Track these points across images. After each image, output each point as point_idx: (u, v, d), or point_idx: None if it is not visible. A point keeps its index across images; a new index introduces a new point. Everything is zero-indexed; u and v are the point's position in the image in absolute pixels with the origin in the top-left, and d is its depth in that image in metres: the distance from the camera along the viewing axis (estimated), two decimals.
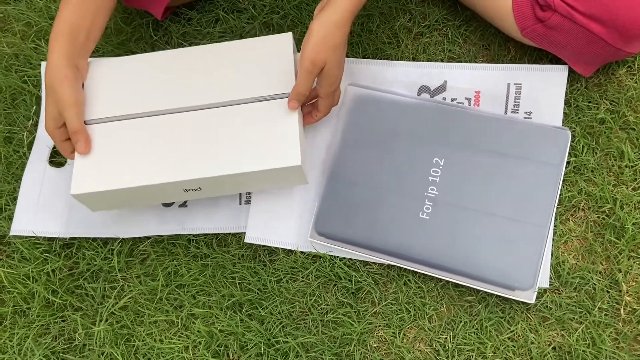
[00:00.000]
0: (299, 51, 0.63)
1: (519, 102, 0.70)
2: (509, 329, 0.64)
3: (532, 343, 0.63)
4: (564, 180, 0.67)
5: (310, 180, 0.70)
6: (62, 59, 0.62)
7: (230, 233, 0.72)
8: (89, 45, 0.66)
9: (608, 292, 0.64)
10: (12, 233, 0.74)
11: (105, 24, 0.67)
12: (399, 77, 0.73)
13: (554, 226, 0.66)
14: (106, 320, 0.70)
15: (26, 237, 0.74)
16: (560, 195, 0.66)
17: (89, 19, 0.64)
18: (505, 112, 0.70)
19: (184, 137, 0.64)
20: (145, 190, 0.63)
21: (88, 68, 0.68)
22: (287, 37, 0.67)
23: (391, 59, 0.75)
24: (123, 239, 0.73)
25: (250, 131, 0.63)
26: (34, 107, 0.81)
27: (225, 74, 0.66)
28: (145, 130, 0.65)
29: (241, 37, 0.80)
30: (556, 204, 0.65)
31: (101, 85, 0.68)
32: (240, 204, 0.72)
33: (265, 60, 0.66)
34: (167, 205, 0.73)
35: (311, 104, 0.68)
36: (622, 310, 0.63)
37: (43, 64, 0.81)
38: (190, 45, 0.80)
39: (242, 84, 0.65)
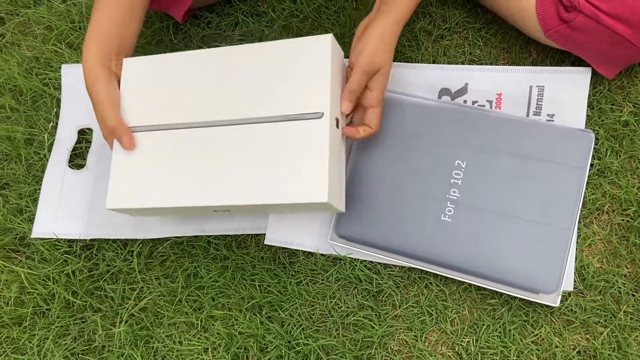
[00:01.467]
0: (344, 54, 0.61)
1: (541, 105, 0.69)
2: (533, 332, 0.63)
3: (556, 347, 0.62)
4: (587, 183, 0.66)
5: None
6: (94, 62, 0.62)
7: (249, 235, 0.72)
8: (124, 46, 0.65)
9: (633, 295, 0.63)
10: (33, 235, 0.74)
11: (139, 25, 0.66)
12: (419, 80, 0.73)
13: (578, 229, 0.65)
14: (126, 321, 0.70)
15: (46, 238, 0.74)
16: (584, 198, 0.66)
17: (122, 20, 0.64)
18: (527, 115, 0.70)
19: (214, 155, 0.62)
20: (177, 209, 0.63)
21: (122, 68, 0.67)
22: (326, 41, 0.61)
23: (411, 62, 0.75)
24: (143, 240, 0.73)
25: (280, 156, 0.59)
26: (54, 109, 0.81)
27: (259, 84, 0.62)
28: (177, 143, 0.64)
29: (260, 41, 0.80)
30: (580, 206, 0.64)
31: (133, 91, 0.66)
32: None
33: (302, 67, 0.61)
34: None
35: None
36: None
37: (64, 66, 0.82)
38: (208, 47, 0.80)
39: (275, 97, 0.61)
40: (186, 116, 0.64)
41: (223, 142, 0.62)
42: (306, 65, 0.61)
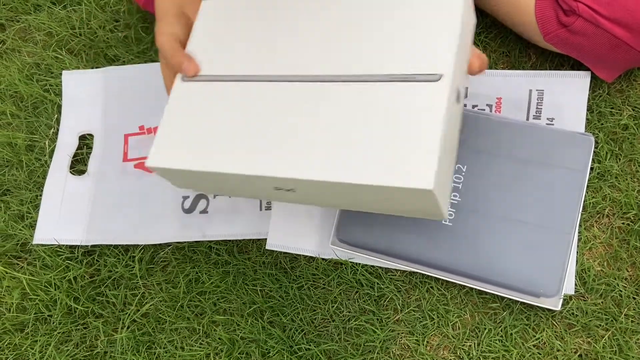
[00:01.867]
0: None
1: (541, 109, 0.69)
2: (535, 336, 0.63)
3: (558, 350, 0.62)
4: (588, 186, 0.66)
5: None
6: (168, 2, 0.58)
7: (250, 240, 0.72)
8: None
9: (634, 298, 0.63)
10: (35, 242, 0.75)
11: None
12: None
13: (578, 232, 0.65)
14: (127, 327, 0.70)
15: (48, 244, 0.75)
16: (584, 201, 0.66)
17: None
18: (527, 119, 0.70)
19: (291, 117, 0.49)
20: (230, 179, 0.51)
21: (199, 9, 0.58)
22: None
23: None
24: (144, 246, 0.73)
25: (376, 125, 0.45)
26: (55, 115, 0.81)
27: (359, 35, 0.50)
28: (246, 99, 0.51)
29: None
30: (581, 210, 0.64)
31: (205, 33, 0.56)
32: (260, 209, 0.72)
33: (421, 19, 0.48)
34: (188, 211, 0.73)
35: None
36: None
37: (64, 73, 0.82)
38: None
39: (379, 53, 0.48)
40: (262, 67, 0.52)
41: (303, 103, 0.49)
42: (428, 15, 0.48)
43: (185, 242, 0.73)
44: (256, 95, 0.51)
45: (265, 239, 0.71)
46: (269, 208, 0.72)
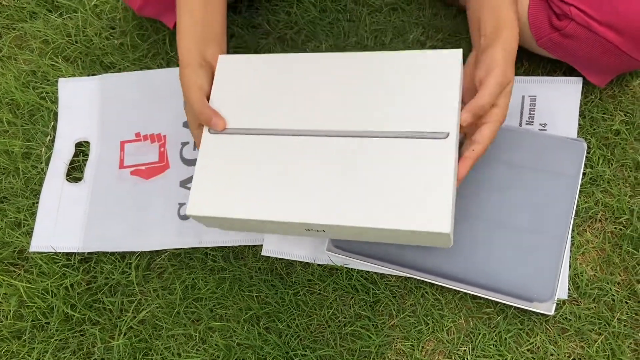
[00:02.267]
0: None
1: (533, 114, 0.70)
2: (528, 340, 0.64)
3: (551, 355, 0.63)
4: (580, 191, 0.67)
5: None
6: (188, 47, 0.61)
7: (246, 246, 0.72)
8: (217, 32, 0.63)
9: (627, 303, 0.64)
10: (31, 249, 0.75)
11: (225, 10, 0.65)
12: None
13: (571, 237, 0.66)
14: (124, 334, 0.71)
15: (45, 252, 0.75)
16: (577, 206, 0.66)
17: (209, 10, 0.62)
18: (520, 124, 0.70)
19: (315, 168, 0.55)
20: (264, 223, 0.57)
21: (217, 63, 0.63)
22: (456, 56, 0.55)
23: None
24: (140, 252, 0.73)
25: (393, 175, 0.53)
26: (52, 123, 0.82)
27: (373, 95, 0.56)
28: (274, 151, 0.57)
29: (256, 52, 0.81)
30: (573, 215, 0.65)
31: (227, 90, 0.61)
32: None
33: (426, 82, 0.55)
34: (184, 217, 0.74)
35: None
36: None
37: (60, 80, 0.82)
38: None
39: (393, 111, 0.55)
40: (286, 122, 0.58)
41: (327, 154, 0.55)
42: (431, 80, 0.55)
43: (181, 248, 0.73)
44: (282, 148, 0.57)
45: (261, 245, 0.71)
46: None
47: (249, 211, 0.56)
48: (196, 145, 0.62)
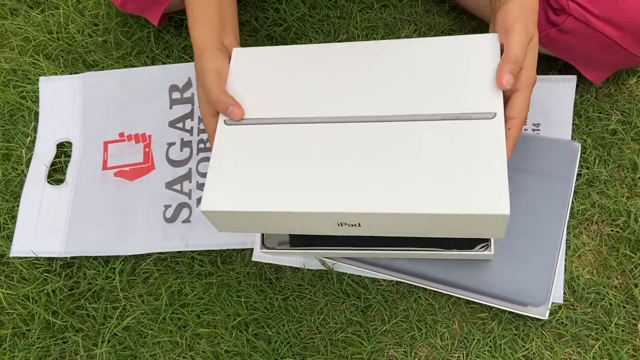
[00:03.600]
0: None
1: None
2: (524, 346, 0.62)
3: None
4: (576, 193, 0.65)
5: None
6: (204, 33, 0.58)
7: (234, 250, 0.70)
8: (231, 21, 0.60)
9: (624, 307, 0.62)
10: (12, 255, 0.72)
11: (236, 4, 0.62)
12: None
13: (567, 240, 0.64)
14: (108, 341, 0.68)
15: (25, 257, 0.72)
16: (572, 208, 0.65)
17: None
18: None
19: (346, 156, 0.51)
20: (289, 218, 0.51)
21: (232, 56, 0.59)
22: (493, 39, 0.53)
23: None
24: (125, 257, 0.71)
25: (437, 159, 0.49)
26: (32, 123, 0.79)
27: (408, 78, 0.53)
28: (298, 140, 0.52)
29: None
30: (567, 217, 0.63)
31: (244, 81, 0.57)
32: None
33: (465, 65, 0.52)
34: (170, 220, 0.72)
35: None
36: (639, 326, 0.62)
37: (42, 79, 0.80)
38: (191, 59, 0.79)
39: (432, 95, 0.52)
40: (311, 110, 0.53)
41: (359, 141, 0.51)
42: (469, 63, 0.52)
43: (167, 252, 0.71)
44: (308, 137, 0.52)
45: (250, 249, 0.69)
46: None
47: (273, 204, 0.50)
48: (209, 138, 0.57)
